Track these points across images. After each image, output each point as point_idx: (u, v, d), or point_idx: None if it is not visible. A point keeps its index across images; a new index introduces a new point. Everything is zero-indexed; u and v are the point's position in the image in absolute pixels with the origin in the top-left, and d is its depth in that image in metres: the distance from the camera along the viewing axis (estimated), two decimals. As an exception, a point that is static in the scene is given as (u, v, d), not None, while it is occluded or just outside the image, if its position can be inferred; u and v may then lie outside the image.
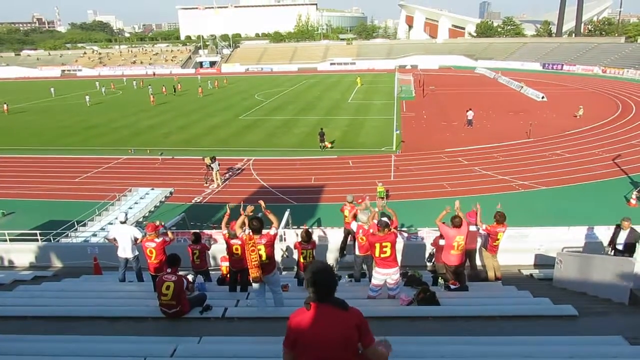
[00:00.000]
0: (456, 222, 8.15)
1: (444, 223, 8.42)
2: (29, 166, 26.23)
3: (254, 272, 6.70)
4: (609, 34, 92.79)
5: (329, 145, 28.01)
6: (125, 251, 9.74)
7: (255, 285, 6.92)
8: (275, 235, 7.10)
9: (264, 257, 6.75)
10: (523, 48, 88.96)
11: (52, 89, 61.25)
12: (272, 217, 7.12)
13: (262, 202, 7.57)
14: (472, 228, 9.08)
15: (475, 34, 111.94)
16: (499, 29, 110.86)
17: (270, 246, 6.86)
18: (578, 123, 32.76)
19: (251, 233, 6.75)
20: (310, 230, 9.53)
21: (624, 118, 34.39)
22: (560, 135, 29.25)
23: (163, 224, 10.51)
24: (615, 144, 26.87)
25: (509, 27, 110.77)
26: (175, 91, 57.75)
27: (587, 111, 35.41)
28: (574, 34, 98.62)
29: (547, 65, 76.75)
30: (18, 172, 24.92)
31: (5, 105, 46.71)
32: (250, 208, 7.15)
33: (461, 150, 26.47)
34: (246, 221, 7.06)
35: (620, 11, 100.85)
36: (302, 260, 8.88)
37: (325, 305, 3.09)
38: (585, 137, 28.97)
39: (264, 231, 6.99)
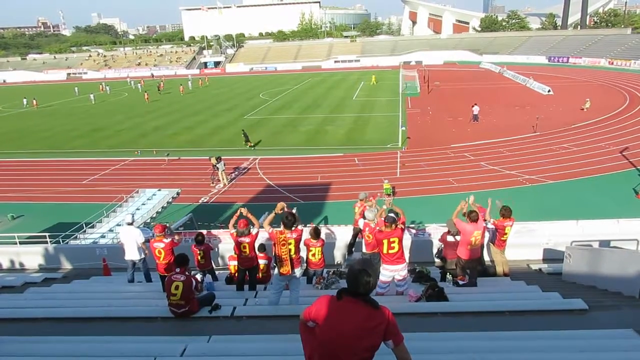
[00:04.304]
0: (473, 217, 8.15)
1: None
2: (37, 169, 26.45)
3: (283, 266, 6.86)
4: (615, 25, 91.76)
5: (251, 145, 28.89)
6: (131, 253, 9.80)
7: (277, 281, 7.03)
8: (302, 230, 7.41)
9: (293, 252, 6.97)
10: (528, 41, 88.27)
11: (76, 89, 66.23)
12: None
13: (283, 204, 7.98)
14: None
15: (479, 29, 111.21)
16: (504, 23, 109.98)
17: (299, 241, 7.19)
18: (585, 116, 32.51)
19: (283, 227, 6.96)
20: (318, 227, 9.54)
21: (631, 110, 34.07)
22: (567, 129, 29.04)
23: (169, 225, 10.58)
24: (623, 136, 26.64)
25: (513, 20, 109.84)
26: (159, 90, 61.69)
27: (594, 104, 35.12)
28: (579, 26, 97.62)
29: (552, 58, 76.10)
30: (27, 176, 25.13)
31: (34, 101, 53.88)
32: (281, 205, 7.57)
33: (467, 146, 26.35)
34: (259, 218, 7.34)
35: (626, 2, 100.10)
36: (310, 257, 8.88)
37: (356, 299, 3.16)
38: (593, 130, 28.74)
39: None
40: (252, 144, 29.06)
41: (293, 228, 7.02)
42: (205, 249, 9.62)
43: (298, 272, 7.16)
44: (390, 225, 7.25)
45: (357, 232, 11.91)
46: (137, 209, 16.53)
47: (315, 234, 8.74)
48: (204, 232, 11.51)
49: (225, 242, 12.35)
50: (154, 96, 56.14)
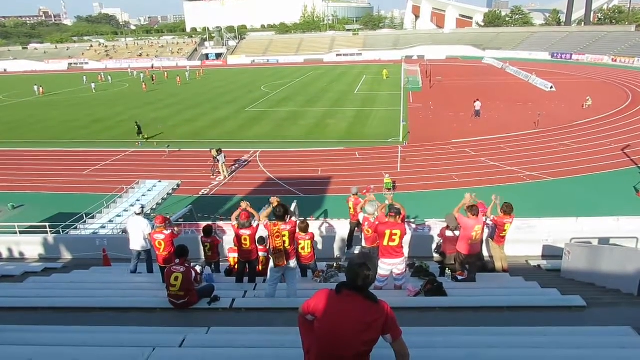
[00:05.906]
0: (474, 211, 8.13)
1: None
2: (38, 159, 26.44)
3: (278, 258, 6.88)
4: (619, 22, 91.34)
5: (145, 137, 29.46)
6: (136, 243, 9.80)
7: (272, 273, 7.04)
8: (297, 223, 7.44)
9: (287, 244, 6.98)
10: (531, 37, 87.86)
11: (84, 77, 67.36)
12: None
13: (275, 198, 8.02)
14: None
15: (483, 24, 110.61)
16: (507, 19, 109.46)
17: (293, 233, 7.19)
18: (587, 113, 32.43)
19: (276, 220, 6.96)
20: (306, 220, 9.53)
21: (633, 108, 33.97)
22: (568, 126, 28.98)
23: (169, 217, 10.57)
24: (625, 134, 26.58)
25: (517, 16, 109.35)
26: (152, 80, 62.95)
27: (596, 101, 35.01)
28: (583, 23, 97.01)
29: (556, 54, 75.84)
30: (28, 166, 25.13)
31: (41, 88, 55.10)
32: (275, 199, 7.60)
33: (468, 141, 26.31)
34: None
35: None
36: (300, 251, 8.84)
37: (355, 293, 3.16)
38: (595, 127, 28.68)
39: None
40: (146, 137, 29.42)
41: (287, 220, 7.00)
42: (212, 242, 9.63)
43: (292, 263, 7.16)
44: (395, 217, 7.23)
45: (354, 227, 11.93)
46: (137, 200, 16.53)
47: (304, 226, 8.73)
48: (211, 224, 11.52)
49: (224, 234, 12.38)
50: (149, 86, 57.19)
